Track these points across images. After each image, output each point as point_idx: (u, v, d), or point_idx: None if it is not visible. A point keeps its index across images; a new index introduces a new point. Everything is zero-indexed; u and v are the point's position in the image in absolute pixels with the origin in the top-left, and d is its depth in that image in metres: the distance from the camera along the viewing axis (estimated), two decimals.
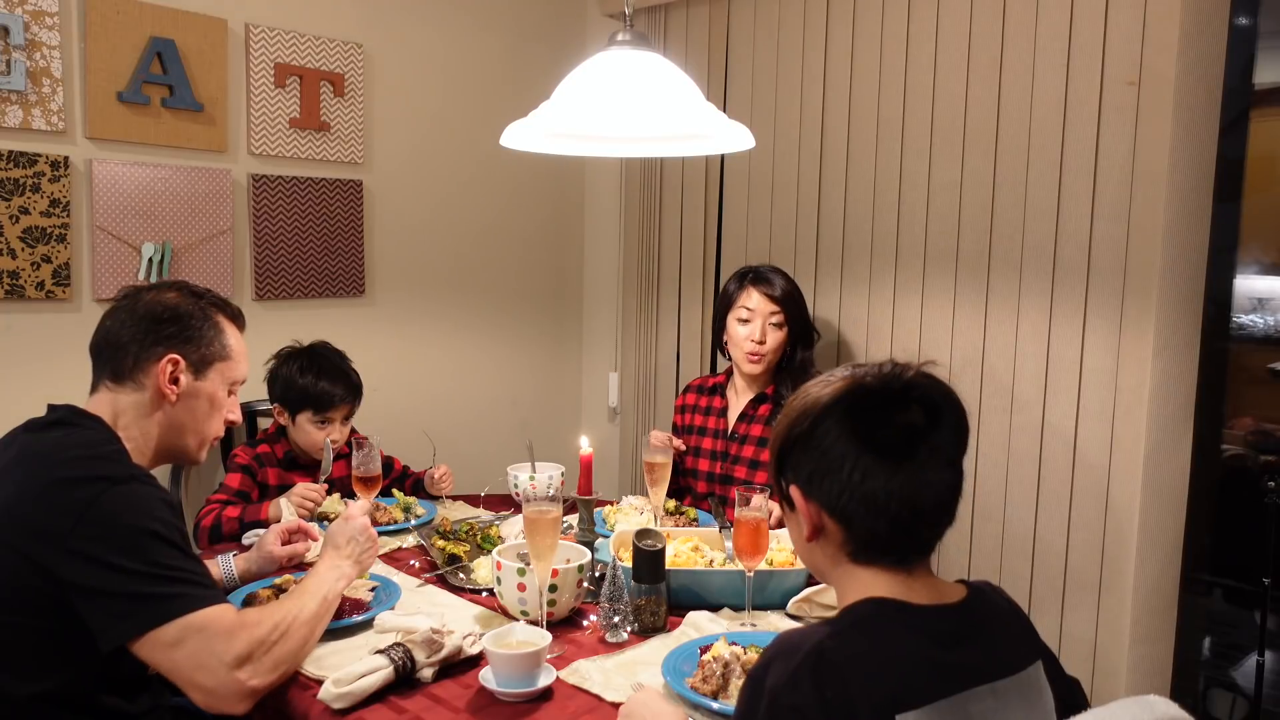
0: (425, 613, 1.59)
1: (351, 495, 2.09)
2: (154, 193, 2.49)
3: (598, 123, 1.89)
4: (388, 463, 2.47)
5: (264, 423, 2.59)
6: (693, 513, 2.29)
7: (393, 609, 1.68)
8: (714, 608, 1.74)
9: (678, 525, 2.17)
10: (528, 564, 1.63)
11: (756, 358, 2.46)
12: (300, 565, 1.90)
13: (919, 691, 0.97)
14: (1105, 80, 2.26)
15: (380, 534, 2.17)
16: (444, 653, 1.47)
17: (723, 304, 2.56)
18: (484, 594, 1.84)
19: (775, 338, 2.46)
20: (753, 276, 2.50)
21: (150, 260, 2.49)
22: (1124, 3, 2.22)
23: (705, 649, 1.45)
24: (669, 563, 1.76)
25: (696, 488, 2.57)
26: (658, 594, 1.67)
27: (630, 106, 1.73)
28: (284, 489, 2.24)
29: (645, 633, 1.66)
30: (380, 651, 1.45)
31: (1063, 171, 2.34)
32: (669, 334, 3.31)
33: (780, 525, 1.92)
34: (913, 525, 1.05)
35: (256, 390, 2.34)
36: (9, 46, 2.24)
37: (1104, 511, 2.33)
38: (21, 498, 1.34)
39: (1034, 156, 2.38)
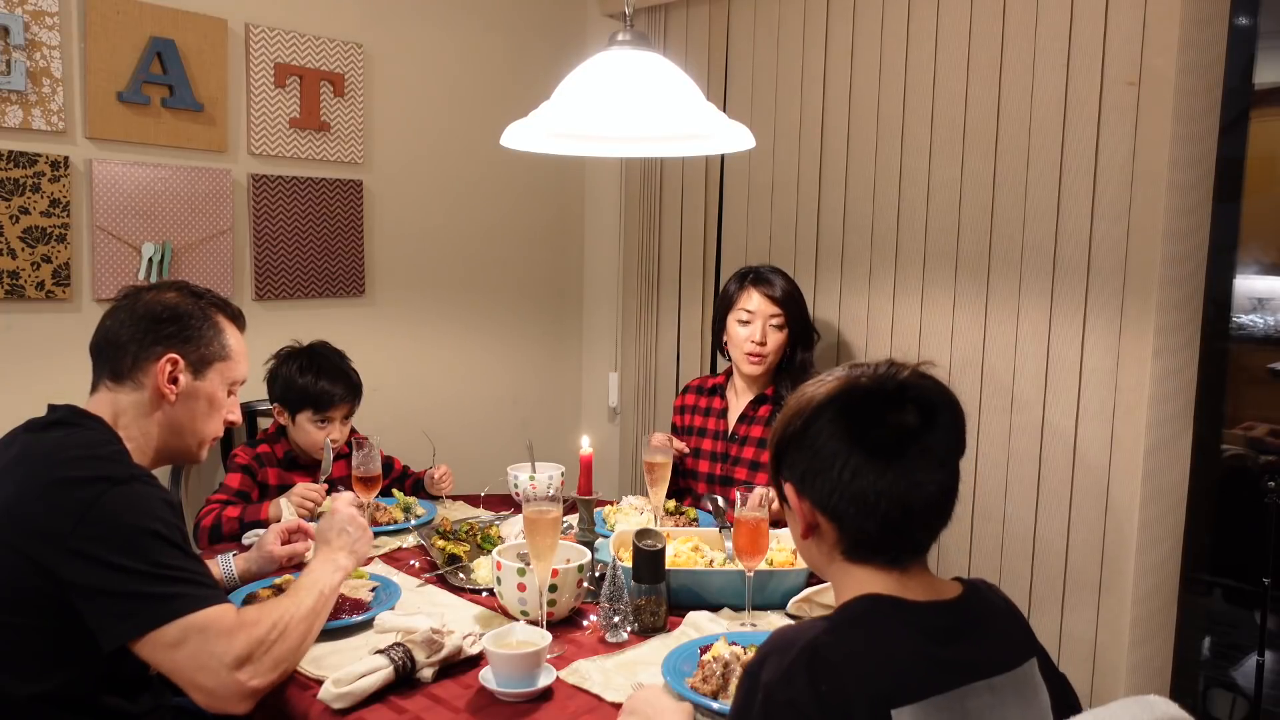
0: (425, 613, 1.59)
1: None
2: (154, 193, 2.49)
3: (598, 123, 1.89)
4: (388, 463, 2.47)
5: (264, 423, 2.59)
6: (692, 513, 2.29)
7: (393, 609, 1.68)
8: (714, 608, 1.74)
9: (678, 525, 2.17)
10: (528, 564, 1.63)
11: (756, 359, 2.46)
12: (300, 565, 1.89)
13: (914, 687, 0.97)
14: (1105, 80, 2.26)
15: (380, 534, 2.18)
16: (444, 653, 1.47)
17: (723, 304, 2.56)
18: (484, 594, 1.84)
19: (775, 339, 2.46)
20: (753, 277, 2.50)
21: (150, 260, 2.49)
22: (1124, 3, 2.22)
23: (705, 649, 1.45)
24: (669, 563, 1.76)
25: (696, 489, 2.57)
26: (658, 594, 1.67)
27: (630, 106, 1.73)
28: (284, 489, 2.24)
29: (645, 633, 1.66)
30: (380, 651, 1.45)
31: (1063, 171, 2.34)
32: (669, 334, 3.31)
33: (779, 520, 1.92)
34: (903, 525, 1.05)
35: (256, 390, 2.34)
36: (9, 46, 2.24)
37: (1104, 511, 2.33)
38: (22, 498, 1.34)
39: (1034, 156, 2.38)
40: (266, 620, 1.37)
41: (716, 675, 1.38)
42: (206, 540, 2.13)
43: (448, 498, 2.50)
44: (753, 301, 2.46)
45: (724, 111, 2.09)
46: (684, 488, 2.59)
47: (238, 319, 1.62)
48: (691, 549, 1.88)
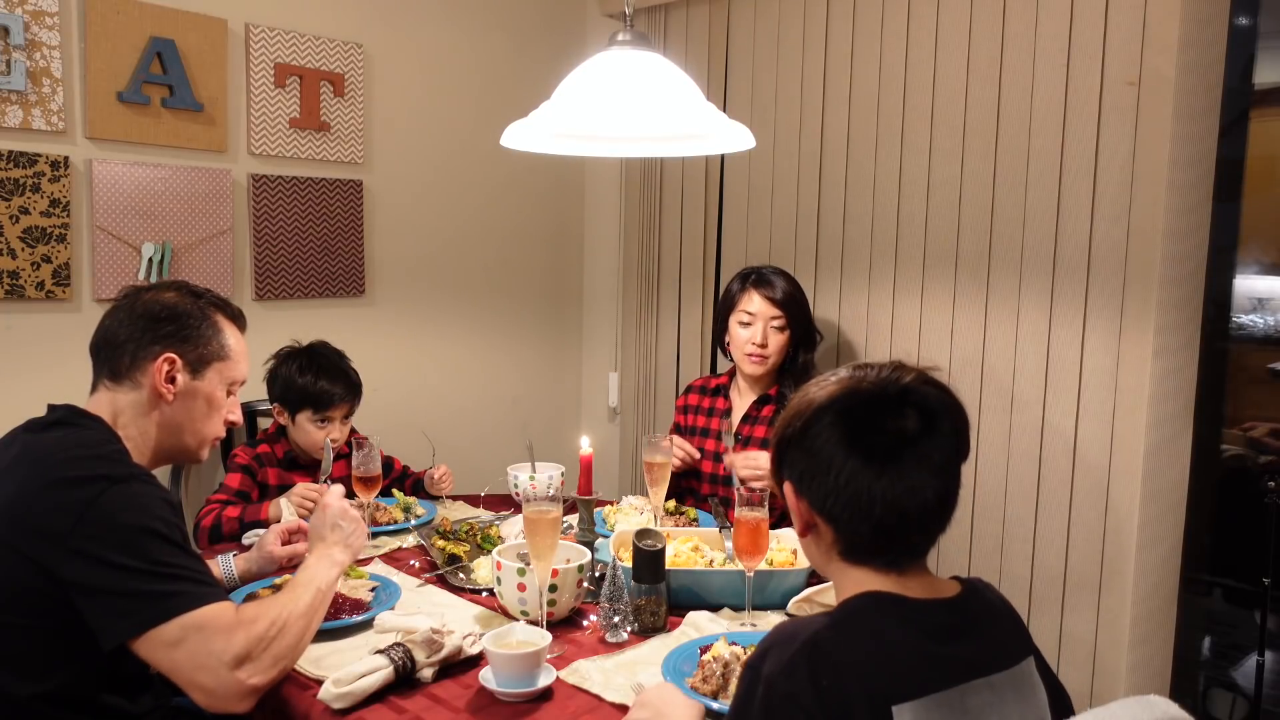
0: (425, 613, 1.59)
1: (352, 495, 2.09)
2: (154, 193, 2.49)
3: (598, 123, 1.88)
4: (388, 463, 2.47)
5: (264, 423, 2.60)
6: (693, 513, 2.29)
7: (393, 609, 1.68)
8: (714, 608, 1.74)
9: (678, 525, 2.17)
10: (528, 564, 1.63)
11: (758, 359, 2.45)
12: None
13: (914, 684, 0.98)
14: (1105, 80, 2.26)
15: (380, 534, 2.18)
16: (444, 653, 1.47)
17: (724, 305, 2.55)
18: (484, 594, 1.84)
19: (777, 341, 2.45)
20: (755, 278, 2.49)
21: (150, 260, 2.49)
22: (1124, 3, 2.22)
23: (705, 649, 1.45)
24: (669, 563, 1.76)
25: (699, 489, 2.57)
26: (658, 594, 1.67)
27: (630, 106, 1.73)
28: (284, 489, 2.24)
29: (645, 633, 1.66)
30: (380, 651, 1.45)
31: (1063, 172, 2.34)
32: (669, 334, 3.31)
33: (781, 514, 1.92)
34: (899, 530, 1.06)
35: (256, 390, 2.34)
36: (9, 46, 2.24)
37: (1104, 511, 2.33)
38: (22, 497, 1.34)
39: (1034, 156, 2.38)
40: (265, 618, 1.37)
41: (716, 675, 1.38)
42: (206, 540, 2.13)
43: (448, 498, 2.50)
44: (754, 303, 2.46)
45: (724, 111, 2.09)
46: (686, 488, 2.59)
47: (238, 319, 1.62)
48: (691, 549, 1.88)
